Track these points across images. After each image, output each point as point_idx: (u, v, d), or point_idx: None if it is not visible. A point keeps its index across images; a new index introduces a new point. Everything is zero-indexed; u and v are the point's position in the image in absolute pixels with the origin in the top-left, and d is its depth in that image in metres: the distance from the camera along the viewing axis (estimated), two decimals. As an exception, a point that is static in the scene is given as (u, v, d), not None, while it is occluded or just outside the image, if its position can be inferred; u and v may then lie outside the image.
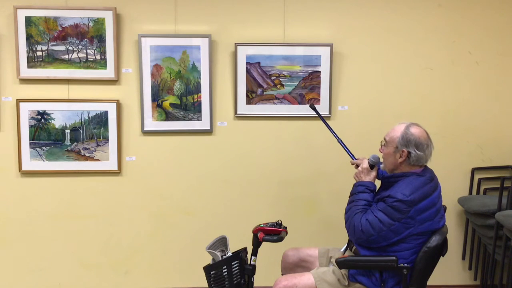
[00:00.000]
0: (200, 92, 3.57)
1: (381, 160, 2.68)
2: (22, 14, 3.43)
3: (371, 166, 2.64)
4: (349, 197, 2.65)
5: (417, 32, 3.63)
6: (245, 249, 2.82)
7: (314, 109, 3.15)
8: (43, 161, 3.56)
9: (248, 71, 3.57)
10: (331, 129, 3.07)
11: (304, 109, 3.61)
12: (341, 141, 2.99)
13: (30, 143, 3.54)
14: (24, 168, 3.55)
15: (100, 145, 3.58)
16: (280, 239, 2.70)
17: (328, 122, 3.58)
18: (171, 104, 3.58)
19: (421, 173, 2.52)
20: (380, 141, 2.64)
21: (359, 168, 2.66)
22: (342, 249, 2.77)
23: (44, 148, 3.55)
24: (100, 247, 3.69)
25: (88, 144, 3.57)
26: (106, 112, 3.55)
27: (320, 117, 3.12)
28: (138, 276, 3.72)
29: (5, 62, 3.49)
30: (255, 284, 2.78)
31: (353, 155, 2.93)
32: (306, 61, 3.57)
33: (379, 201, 2.47)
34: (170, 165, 3.66)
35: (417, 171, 2.52)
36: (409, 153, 2.48)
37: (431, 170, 2.58)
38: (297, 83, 3.59)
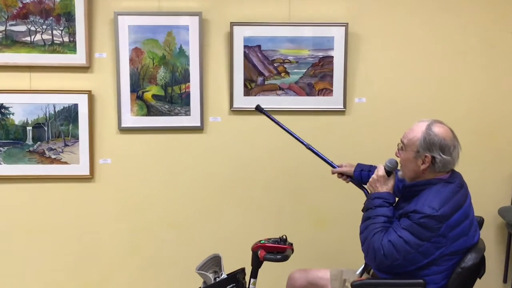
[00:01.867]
0: (189, 82, 3.58)
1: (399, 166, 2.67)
2: (-26, -13, 3.44)
3: (388, 173, 2.61)
4: (363, 212, 2.63)
5: (448, 9, 3.64)
6: (242, 270, 2.83)
7: (262, 110, 3.15)
8: (0, 164, 3.57)
9: (246, 56, 3.57)
10: (293, 133, 3.08)
11: (314, 102, 3.63)
12: (312, 147, 3.05)
13: (-16, 143, 3.54)
14: (-23, 172, 3.55)
15: (68, 145, 3.58)
16: (285, 258, 2.70)
17: (342, 117, 3.66)
18: (154, 96, 3.58)
19: (449, 179, 2.51)
20: (397, 143, 2.62)
21: (374, 176, 2.63)
22: (359, 271, 2.76)
23: (1, 148, 3.56)
24: (69, 267, 3.69)
25: (54, 143, 3.57)
26: (76, 106, 3.54)
27: (274, 120, 3.12)
28: (115, 301, 3.72)
29: (-46, 45, 3.50)
30: (255, 313, 2.79)
31: (332, 162, 3.01)
32: (316, 44, 3.58)
33: (402, 217, 2.46)
34: (153, 169, 3.67)
35: (444, 177, 2.51)
36: (433, 158, 2.47)
37: (459, 175, 2.58)
38: (305, 70, 3.60)
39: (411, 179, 2.58)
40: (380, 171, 2.61)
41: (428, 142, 2.47)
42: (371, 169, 2.95)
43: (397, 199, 2.67)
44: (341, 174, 3.03)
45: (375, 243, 2.44)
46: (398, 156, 2.61)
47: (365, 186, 2.94)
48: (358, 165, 3.02)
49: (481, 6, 3.64)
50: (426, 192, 2.46)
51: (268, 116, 3.13)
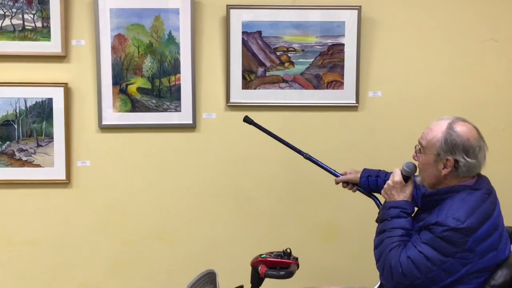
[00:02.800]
0: (179, 73, 3.59)
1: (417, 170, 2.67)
2: None
3: (406, 178, 2.60)
4: (378, 223, 2.62)
5: (475, -9, 3.66)
6: (241, 288, 2.81)
7: (251, 122, 3.18)
8: (-36, 167, 3.57)
9: (245, 44, 3.58)
10: (289, 144, 3.12)
11: (322, 96, 3.64)
12: (311, 157, 3.10)
13: None
14: None
15: (41, 146, 3.57)
16: (289, 275, 2.67)
17: (355, 113, 3.70)
18: (139, 89, 3.58)
19: (475, 185, 2.48)
20: (415, 145, 2.61)
21: (389, 182, 2.62)
22: (374, 290, 2.75)
23: (-35, 149, 3.57)
24: (43, 284, 3.68)
25: (25, 144, 3.57)
26: (51, 100, 3.55)
27: (265, 131, 3.14)
28: (95, 323, 3.74)
29: None
30: (256, 336, 2.77)
31: (334, 171, 3.06)
32: (324, 30, 3.58)
33: (423, 230, 2.43)
34: (138, 172, 3.67)
35: (469, 183, 2.48)
36: (456, 161, 2.43)
37: (486, 179, 2.55)
38: (312, 60, 3.61)
39: (432, 185, 2.55)
40: (397, 176, 2.59)
41: (449, 143, 2.43)
42: (379, 174, 2.99)
43: (416, 209, 2.65)
44: (347, 183, 3.08)
45: (392, 260, 2.41)
46: (415, 160, 2.59)
47: (374, 194, 2.98)
48: (364, 170, 3.04)
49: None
50: (449, 201, 2.43)
51: (259, 128, 3.17)
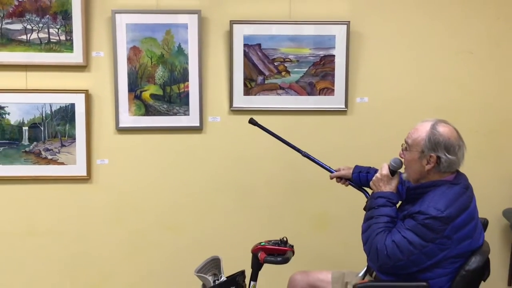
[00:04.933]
0: (188, 81, 3.58)
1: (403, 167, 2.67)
2: (-32, -15, 3.45)
3: (392, 172, 2.61)
4: (365, 211, 2.62)
5: (453, 8, 3.64)
6: (242, 273, 2.83)
7: (256, 124, 3.17)
8: (-4, 165, 3.57)
9: (246, 55, 3.58)
10: (289, 143, 3.12)
11: (315, 101, 3.64)
12: (309, 155, 3.09)
13: (-21, 143, 3.55)
14: (-28, 173, 3.56)
15: (65, 146, 3.58)
16: (286, 260, 2.70)
17: (344, 117, 3.66)
18: (152, 95, 3.58)
19: (454, 180, 2.51)
20: (401, 144, 2.62)
21: (377, 175, 2.63)
22: (361, 274, 2.76)
23: (-4, 149, 3.56)
24: (64, 270, 3.69)
25: (50, 144, 3.58)
26: (73, 105, 3.55)
27: (268, 132, 3.14)
28: (112, 305, 3.73)
29: (-51, 43, 3.51)
30: (255, 316, 2.78)
31: (329, 167, 3.05)
32: (317, 42, 3.58)
33: (407, 218, 2.46)
34: (151, 170, 3.67)
35: (449, 178, 2.51)
36: (438, 158, 2.47)
37: (464, 176, 2.58)
38: (306, 69, 3.61)
39: (416, 180, 2.58)
40: (384, 170, 2.61)
41: (433, 142, 2.47)
42: (369, 170, 2.98)
43: (400, 202, 2.67)
44: (340, 178, 3.06)
45: (378, 243, 2.44)
46: (402, 157, 2.61)
47: (365, 188, 2.96)
48: (356, 167, 3.04)
49: (486, 5, 3.65)
50: (431, 193, 2.46)
51: (263, 129, 3.15)
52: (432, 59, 3.67)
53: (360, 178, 2.98)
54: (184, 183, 3.69)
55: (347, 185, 3.05)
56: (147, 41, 3.54)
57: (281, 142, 3.12)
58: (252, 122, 3.18)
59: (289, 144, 3.12)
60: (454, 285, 2.44)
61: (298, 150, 3.11)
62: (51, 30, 3.50)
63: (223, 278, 2.76)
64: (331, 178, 3.08)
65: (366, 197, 2.88)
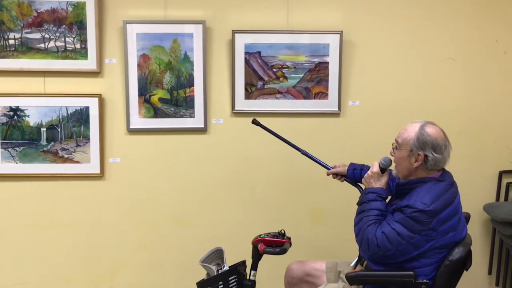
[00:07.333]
0: (193, 86, 3.58)
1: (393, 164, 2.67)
2: (-8, -2, 3.45)
3: (382, 170, 2.62)
4: (358, 205, 2.63)
5: (437, 19, 3.63)
6: (243, 263, 2.83)
7: (258, 124, 3.16)
8: (16, 163, 3.57)
9: (247, 62, 3.58)
10: (289, 141, 3.12)
11: (310, 105, 3.63)
12: (307, 153, 3.09)
13: (1, 143, 3.55)
14: (-6, 171, 3.59)
15: (80, 145, 3.58)
16: (283, 251, 2.71)
17: (337, 119, 3.66)
18: (160, 99, 3.58)
19: (440, 177, 2.52)
20: (392, 143, 2.63)
21: (369, 172, 2.64)
22: (353, 263, 2.77)
23: (17, 148, 3.56)
24: (80, 261, 3.69)
25: (66, 144, 3.58)
26: (87, 108, 3.55)
27: (269, 131, 3.14)
28: (123, 293, 3.75)
29: (-27, 51, 3.51)
30: (255, 302, 2.78)
31: (326, 165, 3.05)
32: (312, 50, 3.58)
33: (396, 212, 2.47)
34: (159, 167, 3.67)
35: (435, 175, 2.52)
36: (426, 156, 2.47)
37: (450, 174, 2.59)
38: (302, 75, 3.60)
39: (405, 176, 2.58)
40: (375, 168, 2.62)
41: (421, 141, 2.48)
42: (363, 167, 2.98)
43: (390, 197, 2.67)
44: (336, 175, 3.06)
45: (369, 234, 2.45)
46: (392, 155, 2.61)
47: (359, 183, 2.96)
48: (351, 164, 3.04)
49: (467, 17, 3.65)
50: (418, 189, 2.47)
51: (265, 128, 3.13)
52: (419, 66, 3.66)
53: (354, 174, 2.99)
54: (190, 180, 3.68)
55: (342, 181, 3.05)
56: (156, 49, 3.54)
57: (280, 142, 3.13)
58: (254, 122, 3.17)
59: (289, 142, 3.11)
60: (438, 274, 2.44)
61: (297, 148, 3.10)
62: (67, 39, 3.50)
63: (226, 268, 2.76)
64: (328, 175, 3.08)
65: (360, 192, 2.88)
